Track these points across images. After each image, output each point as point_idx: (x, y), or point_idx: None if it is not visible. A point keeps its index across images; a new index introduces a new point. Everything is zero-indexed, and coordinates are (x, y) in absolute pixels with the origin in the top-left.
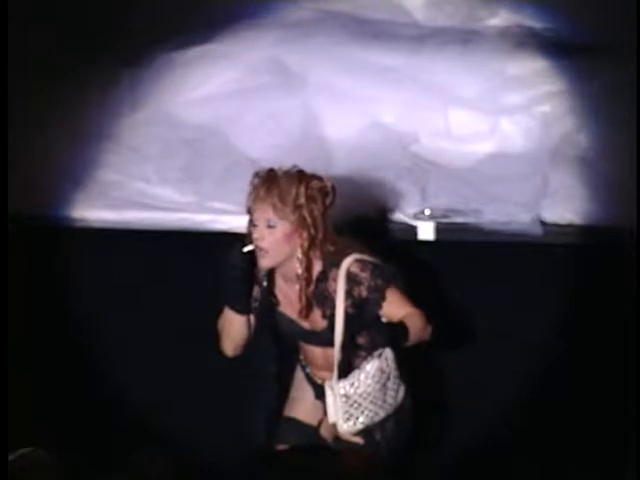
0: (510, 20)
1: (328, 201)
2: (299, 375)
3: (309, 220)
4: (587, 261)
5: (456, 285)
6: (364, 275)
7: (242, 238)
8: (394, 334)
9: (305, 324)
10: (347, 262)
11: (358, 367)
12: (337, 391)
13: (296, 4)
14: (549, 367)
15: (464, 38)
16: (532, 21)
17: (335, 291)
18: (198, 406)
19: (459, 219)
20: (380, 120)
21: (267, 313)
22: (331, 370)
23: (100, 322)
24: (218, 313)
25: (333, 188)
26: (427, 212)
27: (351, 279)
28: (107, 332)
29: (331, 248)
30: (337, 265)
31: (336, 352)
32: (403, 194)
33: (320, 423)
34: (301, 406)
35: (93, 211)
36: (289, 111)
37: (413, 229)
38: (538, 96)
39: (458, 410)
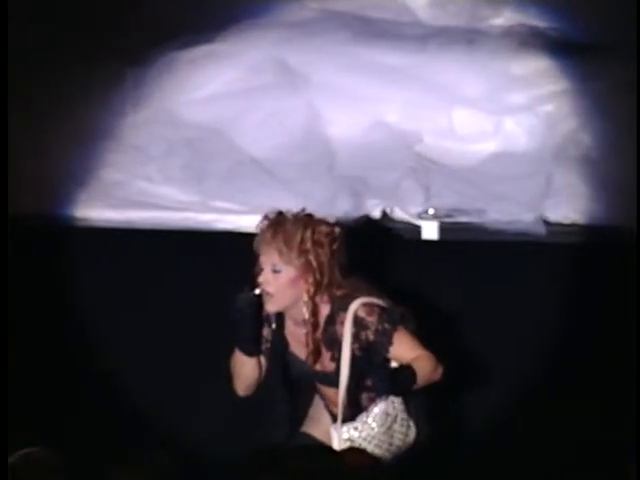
0: (514, 19)
1: (335, 246)
2: (319, 402)
3: (315, 265)
4: (590, 261)
5: (460, 284)
6: (371, 319)
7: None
8: (399, 381)
9: (316, 366)
10: (354, 306)
11: (365, 409)
12: (341, 435)
13: (299, 4)
14: (552, 366)
15: (468, 38)
16: (536, 20)
17: (343, 335)
18: (202, 405)
19: (463, 218)
20: (384, 119)
21: (278, 355)
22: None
23: (103, 321)
24: (221, 313)
25: (340, 234)
26: (431, 211)
27: (358, 323)
28: (110, 331)
29: (338, 292)
30: (345, 309)
31: (340, 396)
32: (407, 193)
33: None
34: (318, 426)
35: (96, 210)
36: (292, 111)
37: (417, 228)
38: (542, 96)
39: (459, 405)
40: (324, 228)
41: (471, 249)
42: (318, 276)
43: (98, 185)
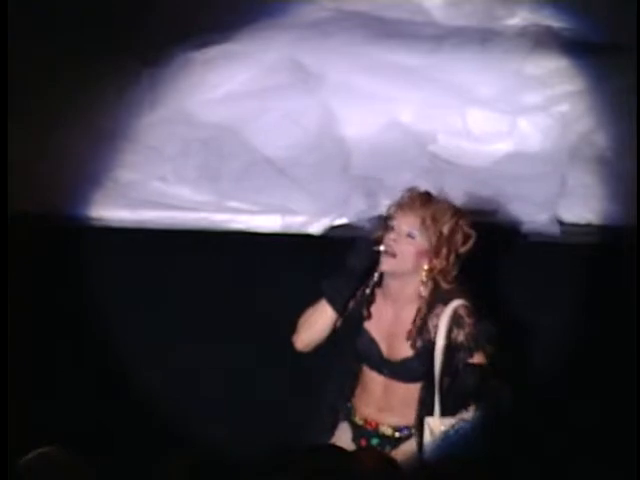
0: (529, 19)
1: (465, 248)
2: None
3: (445, 251)
4: (605, 261)
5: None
6: (468, 321)
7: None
8: (480, 382)
9: (385, 349)
10: (456, 303)
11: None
12: (437, 428)
13: (314, 4)
14: (566, 366)
15: (483, 37)
16: (551, 20)
17: (436, 326)
18: (221, 407)
19: (477, 219)
20: (398, 119)
21: (355, 325)
22: (381, 410)
23: (118, 321)
24: (237, 312)
25: (475, 240)
26: None
27: (455, 320)
28: (125, 331)
29: (446, 286)
30: (445, 302)
31: (436, 379)
32: None
33: None
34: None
35: (111, 210)
36: (307, 110)
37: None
38: (556, 96)
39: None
40: (466, 228)
41: (485, 249)
42: (444, 262)
43: (113, 185)
